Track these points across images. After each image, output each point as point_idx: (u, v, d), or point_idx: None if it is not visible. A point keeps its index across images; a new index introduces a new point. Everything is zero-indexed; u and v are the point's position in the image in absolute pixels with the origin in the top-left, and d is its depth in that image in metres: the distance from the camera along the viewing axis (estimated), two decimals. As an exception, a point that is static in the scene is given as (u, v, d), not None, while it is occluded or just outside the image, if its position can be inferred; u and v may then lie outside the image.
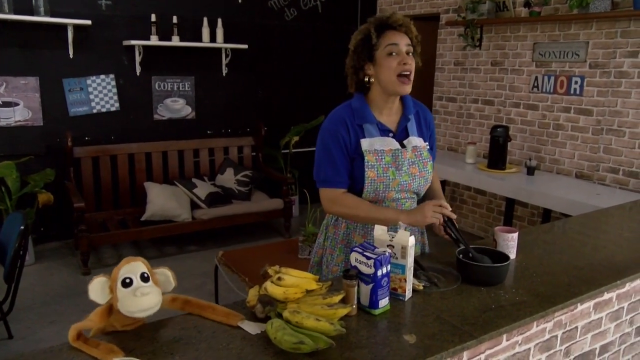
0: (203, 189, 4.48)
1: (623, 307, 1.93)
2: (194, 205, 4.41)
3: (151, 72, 4.62)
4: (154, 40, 4.41)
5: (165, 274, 1.44)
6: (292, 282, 1.38)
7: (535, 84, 4.19)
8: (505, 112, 4.49)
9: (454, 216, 1.69)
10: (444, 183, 4.95)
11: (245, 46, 4.87)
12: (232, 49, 4.90)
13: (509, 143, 4.03)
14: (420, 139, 1.81)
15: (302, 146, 5.26)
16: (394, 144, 1.75)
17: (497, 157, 3.99)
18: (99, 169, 4.39)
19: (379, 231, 1.54)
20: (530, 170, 3.88)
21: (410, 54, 1.70)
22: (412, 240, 1.49)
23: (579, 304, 1.66)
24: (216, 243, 4.50)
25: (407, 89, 1.70)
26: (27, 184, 3.95)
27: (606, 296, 1.77)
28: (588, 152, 3.89)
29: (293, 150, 5.20)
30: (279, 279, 1.38)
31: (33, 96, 4.16)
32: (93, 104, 4.42)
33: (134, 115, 4.63)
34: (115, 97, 4.51)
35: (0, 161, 3.90)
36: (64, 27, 4.12)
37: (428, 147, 1.84)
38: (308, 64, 5.44)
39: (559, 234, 2.18)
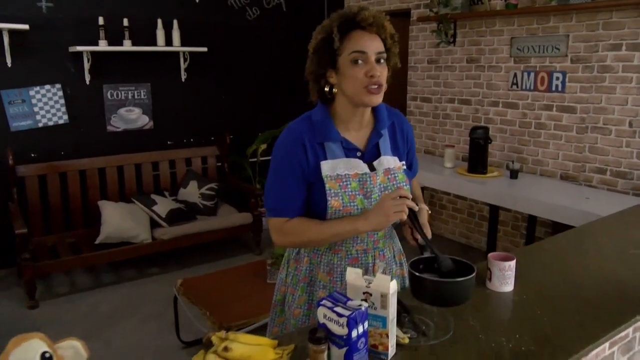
0: (163, 205, 4.12)
1: (635, 337, 1.68)
2: (154, 224, 4.05)
3: (102, 80, 4.24)
4: (102, 46, 4.03)
5: (74, 347, 1.10)
6: (241, 353, 1.07)
7: (515, 81, 3.97)
8: (483, 112, 4.26)
9: (416, 207, 1.39)
10: (422, 189, 4.70)
11: (205, 49, 4.53)
12: (190, 53, 4.55)
13: (489, 145, 3.79)
14: (395, 158, 1.52)
15: (270, 154, 4.92)
16: (361, 166, 1.45)
17: (477, 160, 3.74)
18: (47, 188, 3.99)
19: (352, 275, 1.24)
20: (514, 174, 3.64)
21: (382, 60, 1.40)
22: (393, 286, 1.19)
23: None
24: (180, 264, 4.15)
25: (377, 99, 1.41)
26: (-37, 209, 3.55)
27: (622, 333, 1.51)
28: (573, 152, 3.67)
29: (261, 159, 4.88)
30: (225, 349, 1.07)
31: (-33, 111, 3.74)
32: (38, 117, 4.02)
33: (85, 127, 4.24)
34: (63, 109, 4.12)
35: None
36: (-2, 33, 3.72)
37: (404, 167, 1.55)
38: (274, 66, 5.12)
39: (557, 253, 1.91)
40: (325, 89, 1.44)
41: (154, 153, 4.48)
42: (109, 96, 4.30)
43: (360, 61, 1.37)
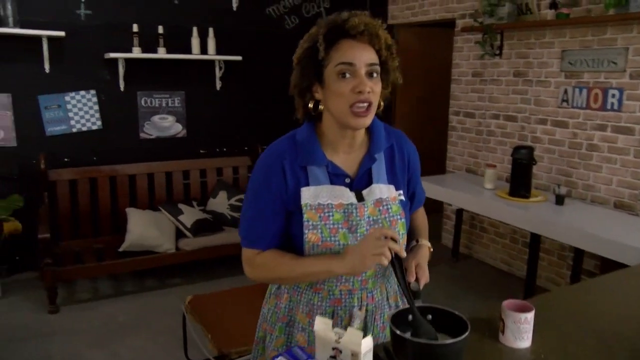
0: (190, 215, 4.05)
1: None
2: (179, 234, 3.99)
3: (136, 87, 4.24)
4: (136, 53, 4.03)
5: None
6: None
7: (565, 98, 3.63)
8: (530, 130, 3.93)
9: (402, 253, 1.17)
10: (460, 211, 4.41)
11: (240, 58, 4.45)
12: (225, 61, 4.49)
13: (534, 166, 3.47)
14: (390, 187, 1.32)
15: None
16: (347, 195, 1.26)
17: (519, 182, 3.43)
18: (77, 193, 4.01)
19: (321, 326, 1.05)
20: (559, 199, 3.31)
21: (375, 74, 1.21)
22: (367, 343, 1.00)
23: None
24: (203, 275, 4.06)
25: (363, 122, 1.21)
26: (-5, 211, 3.60)
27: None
28: (629, 177, 3.30)
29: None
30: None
31: (4, 114, 3.82)
32: (72, 122, 4.06)
33: (117, 134, 4.24)
34: (97, 115, 4.14)
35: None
36: (37, 39, 3.77)
37: (401, 197, 1.34)
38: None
39: (597, 300, 1.63)
40: (309, 105, 1.27)
41: (185, 161, 4.43)
42: (143, 103, 4.30)
43: (347, 74, 1.18)
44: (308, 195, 1.25)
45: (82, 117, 4.09)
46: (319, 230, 1.22)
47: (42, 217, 3.63)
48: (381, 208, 1.29)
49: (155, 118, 4.38)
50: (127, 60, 4.08)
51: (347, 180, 1.29)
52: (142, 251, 3.81)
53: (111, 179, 4.13)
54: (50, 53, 3.84)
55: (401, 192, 1.34)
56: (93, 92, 4.09)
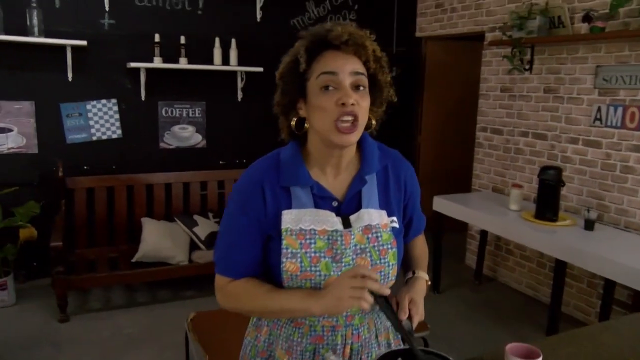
0: (205, 227, 4.00)
1: None
2: (193, 246, 3.94)
3: (157, 97, 4.24)
4: (157, 62, 4.02)
5: None
6: None
7: (598, 116, 3.42)
8: (560, 149, 3.73)
9: (385, 291, 1.05)
10: (484, 231, 4.22)
11: (261, 69, 4.40)
12: (247, 72, 4.45)
13: (563, 188, 3.27)
14: (381, 213, 1.20)
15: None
16: (332, 221, 1.15)
17: (546, 205, 3.24)
18: (94, 202, 4.02)
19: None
20: (589, 224, 3.10)
21: (362, 87, 1.10)
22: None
23: None
24: (216, 289, 3.98)
25: (348, 139, 1.10)
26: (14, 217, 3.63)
27: None
28: (666, 203, 3.07)
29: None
30: None
31: (27, 122, 3.86)
32: (93, 130, 4.08)
33: (137, 143, 4.24)
34: (118, 124, 4.15)
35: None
36: (61, 48, 3.81)
37: (394, 224, 1.22)
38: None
39: (622, 343, 1.46)
40: (292, 122, 1.17)
41: (203, 172, 4.39)
42: (164, 113, 4.29)
43: (330, 87, 1.08)
44: (289, 219, 1.14)
45: (102, 125, 4.11)
46: (299, 259, 1.11)
47: (58, 224, 3.63)
48: (370, 236, 1.17)
49: (176, 128, 4.36)
50: (148, 69, 4.08)
51: (334, 204, 1.18)
52: (156, 262, 3.78)
53: (128, 188, 4.12)
54: (73, 62, 3.88)
55: (394, 218, 1.23)
56: (114, 101, 4.11)
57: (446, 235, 4.17)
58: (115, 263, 3.85)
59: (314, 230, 1.14)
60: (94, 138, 4.09)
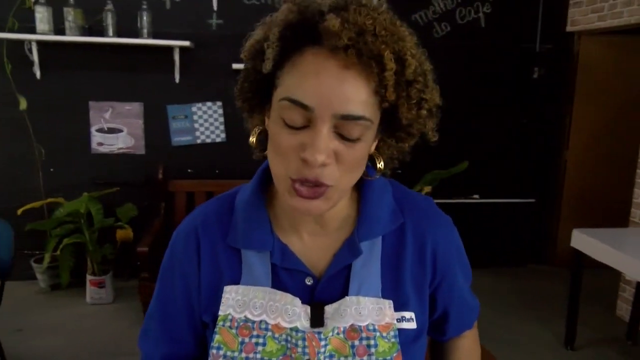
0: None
1: None
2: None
3: (263, 100, 4.03)
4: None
5: None
6: None
7: None
8: None
9: None
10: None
11: (374, 70, 3.95)
12: (358, 74, 4.03)
13: None
14: (382, 305, 0.72)
15: (436, 197, 4.06)
16: (295, 313, 0.71)
17: None
18: (194, 206, 3.93)
19: None
20: None
21: (359, 137, 0.65)
22: None
23: None
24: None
25: (308, 207, 0.66)
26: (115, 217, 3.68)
27: None
28: None
29: (425, 203, 4.07)
30: None
31: (136, 123, 3.91)
32: (197, 133, 4.00)
33: (241, 148, 4.05)
34: (222, 127, 4.03)
35: (102, 189, 3.73)
36: (169, 49, 3.78)
37: (406, 324, 0.73)
38: (460, 95, 4.25)
39: None
40: (251, 137, 0.75)
41: (305, 182, 4.08)
42: (268, 117, 4.07)
43: (295, 121, 0.64)
44: (233, 300, 0.73)
45: (207, 128, 4.01)
46: None
47: (154, 228, 3.58)
48: (356, 343, 0.69)
49: (280, 133, 4.12)
50: (253, 71, 3.88)
51: (308, 281, 0.72)
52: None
53: (228, 194, 3.97)
54: (180, 63, 3.83)
55: (409, 314, 0.72)
56: (219, 103, 3.98)
57: (590, 271, 3.30)
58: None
59: (266, 324, 0.70)
60: (198, 141, 4.01)
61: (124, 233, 3.57)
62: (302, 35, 0.65)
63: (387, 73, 0.62)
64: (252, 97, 0.73)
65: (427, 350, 0.80)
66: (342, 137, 0.63)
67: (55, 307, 3.53)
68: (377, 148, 0.73)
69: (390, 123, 0.69)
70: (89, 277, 3.54)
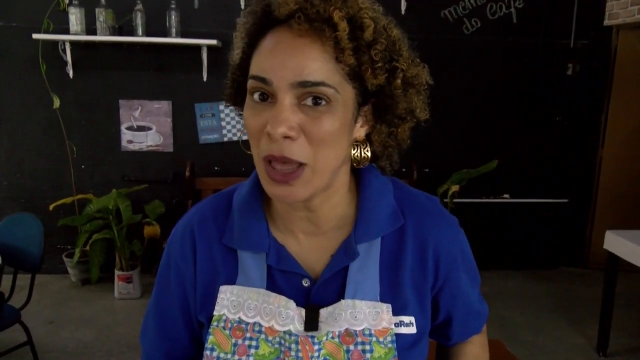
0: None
1: None
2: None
3: (289, 98, 4.03)
4: (287, 62, 3.80)
5: None
6: None
7: None
8: None
9: None
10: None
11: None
12: (385, 71, 3.98)
13: None
14: (380, 309, 0.70)
15: (465, 196, 4.00)
16: (289, 316, 0.70)
17: None
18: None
19: None
20: None
21: (324, 102, 0.62)
22: None
23: None
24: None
25: (283, 193, 0.64)
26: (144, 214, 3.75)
27: None
28: None
29: (453, 201, 3.99)
30: None
31: (165, 121, 3.97)
32: (224, 131, 4.04)
33: (267, 146, 4.09)
34: (248, 125, 4.05)
35: (131, 186, 3.80)
36: (197, 48, 3.82)
37: (404, 329, 0.70)
38: (491, 93, 4.16)
39: None
40: (240, 134, 0.73)
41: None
42: (294, 115, 4.07)
43: (256, 95, 0.64)
44: (228, 300, 0.72)
45: (233, 126, 4.03)
46: None
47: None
48: (351, 348, 0.67)
49: (306, 131, 4.11)
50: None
51: (305, 283, 0.70)
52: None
53: (254, 192, 3.99)
54: (208, 62, 3.86)
55: (409, 318, 0.69)
56: (246, 101, 4.00)
57: (626, 274, 3.18)
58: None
59: (260, 326, 0.69)
60: (225, 139, 4.05)
61: (152, 229, 3.63)
62: (265, 22, 0.65)
63: (339, 34, 0.61)
64: (235, 93, 0.72)
65: (432, 355, 0.77)
66: (308, 108, 0.62)
67: (85, 301, 3.62)
68: (369, 136, 0.71)
69: (376, 107, 0.68)
70: (117, 273, 3.61)
